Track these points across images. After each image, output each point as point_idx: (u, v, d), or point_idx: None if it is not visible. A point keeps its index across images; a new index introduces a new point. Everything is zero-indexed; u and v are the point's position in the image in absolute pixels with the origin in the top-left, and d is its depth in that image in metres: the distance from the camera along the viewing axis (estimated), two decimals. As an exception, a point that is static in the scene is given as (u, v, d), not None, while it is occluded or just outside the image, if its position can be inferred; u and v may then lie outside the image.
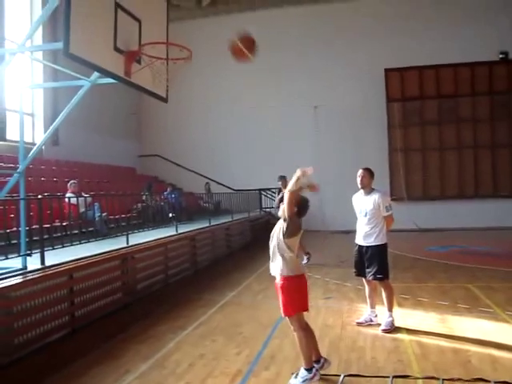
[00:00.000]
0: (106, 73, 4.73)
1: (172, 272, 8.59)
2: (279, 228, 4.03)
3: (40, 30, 12.51)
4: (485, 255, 10.76)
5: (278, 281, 4.02)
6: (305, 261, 9.44)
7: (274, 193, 17.43)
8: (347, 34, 17.25)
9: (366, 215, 5.59)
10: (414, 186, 17.03)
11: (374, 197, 5.55)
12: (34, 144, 10.48)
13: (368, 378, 3.95)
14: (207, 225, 11.29)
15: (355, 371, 4.12)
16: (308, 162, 16.08)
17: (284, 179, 9.86)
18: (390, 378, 3.90)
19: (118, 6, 4.73)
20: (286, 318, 4.09)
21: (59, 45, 3.96)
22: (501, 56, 16.45)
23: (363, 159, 16.89)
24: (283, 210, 4.00)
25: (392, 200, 17.33)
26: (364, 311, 5.83)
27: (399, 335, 5.13)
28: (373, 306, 5.67)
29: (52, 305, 5.29)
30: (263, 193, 17.67)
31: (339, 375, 4.03)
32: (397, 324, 5.44)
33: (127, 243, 7.35)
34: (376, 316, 5.60)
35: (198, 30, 16.95)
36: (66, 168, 12.47)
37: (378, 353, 4.61)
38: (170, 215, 11.70)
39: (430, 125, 16.95)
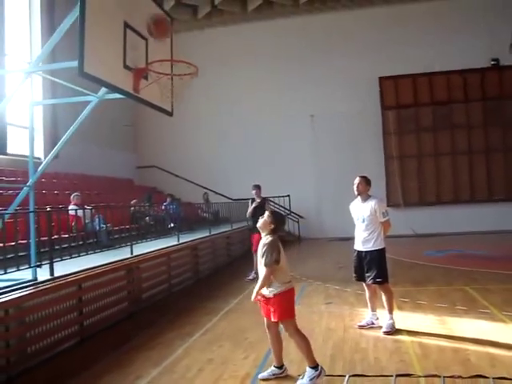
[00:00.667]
0: (116, 90, 4.92)
1: (175, 281, 8.73)
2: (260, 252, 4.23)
3: (38, 47, 12.79)
4: (481, 258, 10.95)
5: (269, 296, 4.20)
6: (250, 277, 9.26)
7: (272, 201, 17.67)
8: (342, 43, 17.54)
9: (363, 221, 5.78)
10: (411, 192, 17.25)
11: (371, 203, 5.76)
12: (36, 158, 10.66)
13: (372, 378, 4.11)
14: (208, 234, 11.44)
15: (359, 371, 4.27)
16: (306, 171, 16.25)
17: (258, 188, 9.73)
18: (394, 377, 4.06)
19: (126, 25, 4.95)
20: (282, 324, 4.32)
21: (73, 64, 4.15)
22: (492, 63, 16.77)
23: (360, 166, 17.13)
24: (263, 224, 4.32)
25: (389, 206, 17.57)
26: (365, 315, 6.00)
27: (400, 337, 5.30)
28: (374, 309, 5.84)
29: (62, 314, 5.44)
30: (267, 201, 17.78)
31: (344, 376, 4.18)
32: (397, 326, 5.60)
33: (131, 253, 7.49)
34: (377, 319, 5.77)
35: (194, 41, 17.18)
36: (66, 180, 12.61)
37: (381, 354, 4.77)
38: (171, 225, 11.86)
39: (425, 131, 17.21)
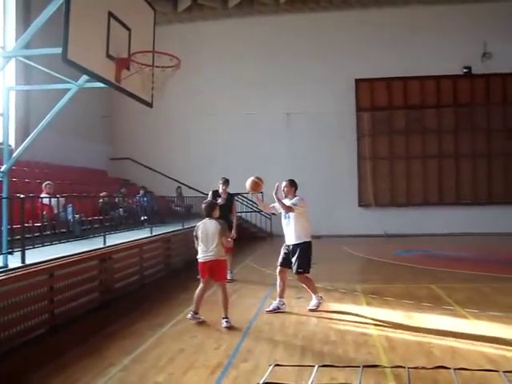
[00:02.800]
0: (98, 78, 4.91)
1: (147, 273, 8.73)
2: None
3: (13, 33, 12.53)
4: (447, 259, 11.32)
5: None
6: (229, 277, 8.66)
7: (245, 197, 17.76)
8: (320, 45, 17.75)
9: (286, 218, 6.52)
10: (382, 194, 17.60)
11: (292, 201, 6.45)
12: (7, 147, 10.42)
13: (341, 368, 4.24)
14: (181, 227, 11.45)
15: (328, 363, 4.40)
16: (280, 169, 16.41)
17: (227, 184, 9.33)
18: (361, 368, 4.20)
19: (110, 15, 4.94)
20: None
21: (57, 50, 4.13)
22: (464, 71, 17.25)
23: (334, 166, 17.47)
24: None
25: (360, 206, 18.02)
26: (332, 308, 6.51)
27: (368, 330, 5.47)
28: (282, 296, 6.53)
29: (32, 302, 5.37)
30: (235, 197, 17.82)
31: (314, 366, 4.30)
32: (366, 321, 5.82)
33: (104, 244, 7.46)
34: (283, 304, 6.49)
35: (174, 35, 17.06)
36: (38, 170, 12.38)
37: (349, 346, 4.91)
38: (143, 218, 11.83)
39: (398, 134, 17.58)
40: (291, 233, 6.45)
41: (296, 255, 6.39)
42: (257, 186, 6.33)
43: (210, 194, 9.21)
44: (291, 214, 6.43)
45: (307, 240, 6.45)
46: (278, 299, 6.52)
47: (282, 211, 6.53)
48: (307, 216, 6.58)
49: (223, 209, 7.82)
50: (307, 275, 6.56)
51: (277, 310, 6.39)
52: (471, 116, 17.14)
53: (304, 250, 6.39)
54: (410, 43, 17.15)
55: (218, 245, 5.78)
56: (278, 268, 6.65)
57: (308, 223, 6.54)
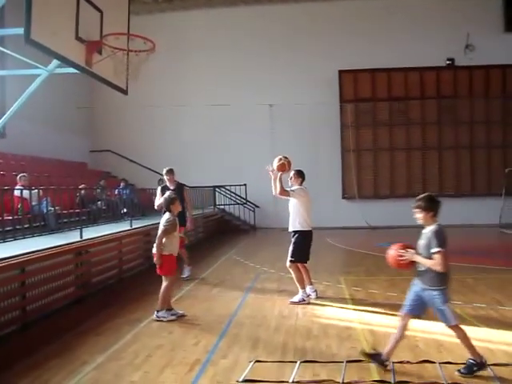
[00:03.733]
0: (66, 61, 4.66)
1: (126, 267, 8.51)
2: None
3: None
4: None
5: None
6: (186, 274, 8.26)
7: (228, 190, 17.58)
8: (304, 36, 17.53)
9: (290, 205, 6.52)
10: (366, 185, 17.56)
11: (292, 187, 6.52)
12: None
13: (323, 364, 4.09)
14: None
15: (311, 358, 4.25)
16: (263, 160, 16.04)
17: (171, 174, 8.35)
18: (344, 363, 4.07)
19: (80, -6, 4.68)
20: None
21: (19, 30, 3.87)
22: (447, 62, 17.23)
23: (318, 158, 17.33)
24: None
25: (344, 198, 17.93)
26: (315, 302, 6.38)
27: (352, 324, 5.35)
28: (303, 287, 6.42)
29: (2, 299, 5.13)
30: (217, 190, 17.69)
31: (296, 362, 4.15)
32: (349, 314, 5.67)
33: (81, 237, 7.21)
34: (308, 296, 6.41)
35: (155, 25, 16.66)
36: (14, 161, 12.03)
37: (332, 341, 4.78)
38: (123, 211, 11.55)
39: (382, 126, 17.54)
40: (290, 220, 6.49)
41: (291, 243, 6.43)
42: (282, 166, 6.25)
43: (159, 190, 8.20)
44: (293, 202, 6.44)
45: (303, 229, 6.38)
46: (300, 290, 6.38)
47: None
48: (308, 207, 6.50)
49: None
50: (300, 267, 6.46)
51: (301, 302, 6.29)
52: (454, 108, 17.14)
53: (298, 240, 6.37)
54: (394, 34, 17.05)
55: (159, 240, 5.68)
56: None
57: (307, 214, 6.45)
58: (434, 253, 3.86)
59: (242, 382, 3.80)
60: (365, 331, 5.06)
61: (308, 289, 6.49)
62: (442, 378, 3.72)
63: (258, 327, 5.33)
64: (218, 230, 16.26)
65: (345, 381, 3.73)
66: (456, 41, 16.95)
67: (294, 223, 6.42)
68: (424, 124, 17.40)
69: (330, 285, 7.49)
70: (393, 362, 4.03)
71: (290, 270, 6.46)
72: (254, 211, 17.53)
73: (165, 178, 8.31)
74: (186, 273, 8.23)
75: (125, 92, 5.99)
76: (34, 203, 8.18)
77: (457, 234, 14.40)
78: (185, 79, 17.77)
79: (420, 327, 5.06)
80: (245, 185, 17.36)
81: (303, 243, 6.41)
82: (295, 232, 6.42)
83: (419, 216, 4.08)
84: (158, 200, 7.80)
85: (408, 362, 4.06)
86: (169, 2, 17.19)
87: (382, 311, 5.85)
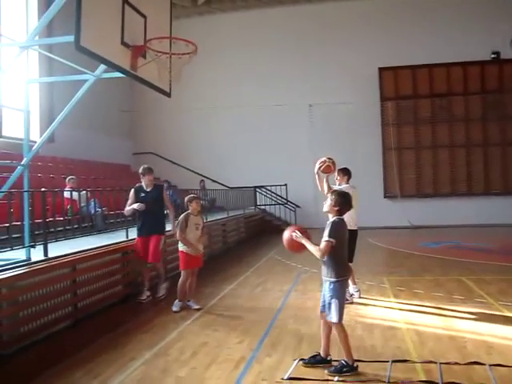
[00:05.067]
0: (113, 66, 4.83)
1: (171, 266, 8.66)
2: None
3: (35, 24, 12.58)
4: (477, 250, 10.95)
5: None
6: (161, 292, 7.05)
7: (269, 190, 17.63)
8: (342, 33, 17.39)
9: None
10: (408, 184, 17.22)
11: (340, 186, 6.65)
12: (31, 141, 10.48)
13: (368, 363, 4.07)
14: (204, 221, 11.35)
15: (356, 357, 4.22)
16: (304, 161, 16.04)
17: (150, 173, 7.12)
18: (390, 363, 4.03)
19: (125, 1, 4.85)
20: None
21: (70, 38, 4.05)
22: (492, 56, 16.67)
23: (358, 157, 17.07)
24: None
25: (386, 197, 17.64)
26: (359, 301, 6.35)
27: (396, 324, 5.28)
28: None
29: (55, 296, 5.36)
30: (258, 190, 17.77)
31: (340, 360, 4.14)
32: (394, 314, 5.60)
33: (127, 237, 7.43)
34: (351, 295, 6.38)
35: (194, 28, 16.94)
36: (62, 165, 12.49)
37: (377, 340, 4.74)
38: (166, 211, 11.76)
39: (424, 123, 17.14)
40: None
41: None
42: (328, 167, 6.20)
43: (132, 192, 7.01)
44: None
45: (349, 228, 6.20)
46: None
47: None
48: (355, 206, 6.29)
49: (153, 205, 6.81)
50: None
51: (345, 302, 6.20)
52: (500, 103, 16.57)
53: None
54: (435, 29, 16.64)
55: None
56: None
57: (353, 212, 6.12)
58: (323, 241, 3.96)
59: (286, 379, 3.84)
60: (410, 331, 4.99)
61: (351, 288, 6.45)
62: (493, 381, 3.62)
63: (301, 326, 5.35)
64: (259, 230, 16.34)
65: (390, 380, 3.70)
66: (501, 34, 16.35)
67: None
68: (468, 120, 16.89)
69: (373, 285, 7.41)
70: (440, 363, 3.96)
71: None
72: (294, 211, 17.50)
73: (141, 178, 7.00)
74: (161, 291, 6.98)
75: (168, 95, 6.14)
76: (82, 204, 8.48)
77: (504, 234, 14.00)
78: (225, 80, 17.96)
79: (468, 328, 4.98)
80: (285, 185, 17.37)
81: (349, 242, 6.29)
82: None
83: (327, 205, 4.16)
84: (129, 205, 6.91)
85: (456, 364, 3.97)
86: (207, 6, 17.40)
87: (427, 311, 5.76)
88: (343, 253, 4.12)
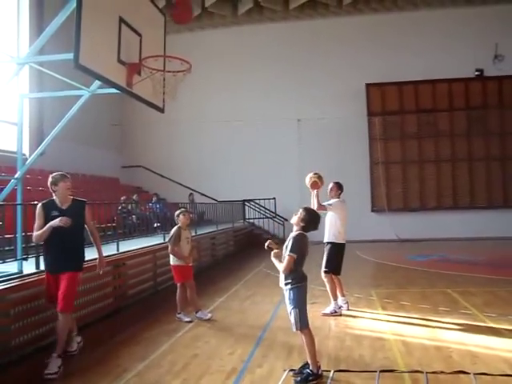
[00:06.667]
0: (110, 83, 4.94)
1: (161, 279, 8.71)
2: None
3: (27, 41, 12.68)
4: (463, 263, 11.15)
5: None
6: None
7: (257, 203, 17.73)
8: (330, 50, 17.74)
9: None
10: (395, 198, 17.46)
11: (330, 201, 6.71)
12: (21, 154, 10.50)
13: (357, 373, 4.17)
14: (193, 234, 11.40)
15: (345, 367, 4.33)
16: (292, 175, 16.21)
17: (65, 179, 4.87)
18: (378, 373, 4.13)
19: (121, 20, 4.99)
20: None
21: (69, 56, 4.16)
22: (476, 73, 17.09)
23: (346, 172, 17.26)
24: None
25: (373, 211, 17.81)
26: (347, 313, 6.47)
27: (384, 335, 5.39)
28: (335, 298, 6.55)
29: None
30: (247, 204, 17.88)
31: (329, 371, 4.24)
32: (381, 325, 5.72)
33: (117, 250, 7.47)
34: (340, 307, 6.50)
35: (184, 43, 17.13)
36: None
37: (365, 351, 4.84)
38: (156, 225, 11.83)
39: (410, 138, 17.46)
40: (325, 231, 6.61)
41: (324, 254, 6.60)
42: (315, 184, 6.34)
43: (40, 208, 4.86)
44: (330, 214, 6.60)
45: (336, 241, 6.55)
46: (333, 302, 6.51)
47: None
48: (344, 220, 6.63)
49: (70, 229, 4.70)
50: (333, 278, 6.60)
51: (334, 314, 6.40)
52: (484, 119, 16.97)
53: (332, 251, 6.55)
54: (421, 47, 17.04)
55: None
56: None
57: (341, 226, 6.59)
58: (286, 255, 4.18)
59: (277, 389, 3.92)
60: (397, 342, 5.10)
61: (340, 300, 6.57)
62: (477, 389, 3.75)
63: (291, 337, 5.38)
64: (248, 244, 16.41)
65: (379, 389, 3.81)
66: (484, 51, 16.82)
67: (329, 234, 6.59)
68: (453, 136, 17.25)
69: (361, 297, 7.52)
70: (426, 372, 4.07)
71: (325, 281, 6.58)
72: (283, 225, 17.60)
73: (53, 189, 4.86)
74: (74, 345, 5.08)
75: (161, 110, 6.27)
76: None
77: (489, 247, 14.25)
78: (213, 95, 18.15)
79: (454, 338, 5.11)
80: (274, 198, 17.51)
81: (336, 255, 6.55)
82: (329, 243, 6.60)
83: (295, 218, 4.32)
84: (38, 228, 4.75)
85: (442, 373, 4.08)
86: (198, 21, 17.61)
87: (414, 322, 5.88)
88: (302, 264, 4.28)
